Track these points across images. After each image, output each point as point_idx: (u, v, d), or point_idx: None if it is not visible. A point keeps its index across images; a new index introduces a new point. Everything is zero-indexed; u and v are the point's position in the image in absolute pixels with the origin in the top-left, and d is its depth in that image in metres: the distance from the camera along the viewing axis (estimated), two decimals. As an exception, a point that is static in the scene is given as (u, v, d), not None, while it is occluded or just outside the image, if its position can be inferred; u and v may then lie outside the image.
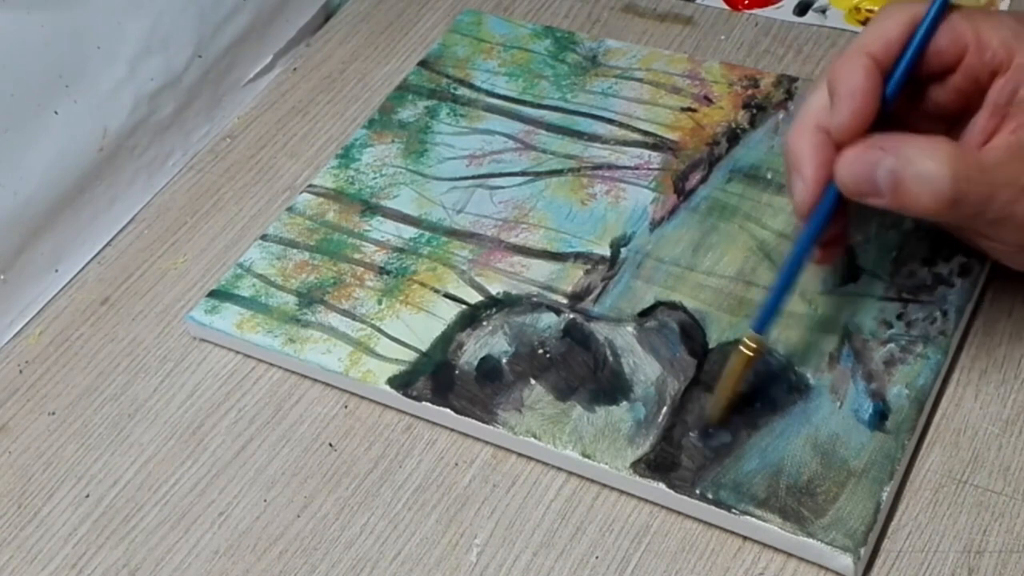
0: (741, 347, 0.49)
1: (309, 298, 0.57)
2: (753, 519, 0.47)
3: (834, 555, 0.46)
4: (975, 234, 0.48)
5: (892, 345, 0.51)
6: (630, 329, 0.54)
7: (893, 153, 0.44)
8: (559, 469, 0.51)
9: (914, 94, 0.48)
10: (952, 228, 0.52)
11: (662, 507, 0.49)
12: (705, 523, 0.49)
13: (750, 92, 0.63)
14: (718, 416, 0.50)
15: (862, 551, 0.46)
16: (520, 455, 0.52)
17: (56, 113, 0.60)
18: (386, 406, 0.54)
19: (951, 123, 0.48)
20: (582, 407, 0.51)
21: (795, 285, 0.49)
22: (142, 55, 0.64)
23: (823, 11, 0.68)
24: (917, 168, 0.44)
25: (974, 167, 0.44)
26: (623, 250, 0.57)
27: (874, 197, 0.45)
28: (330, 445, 0.53)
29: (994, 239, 0.47)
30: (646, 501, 0.50)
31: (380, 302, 0.57)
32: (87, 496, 0.53)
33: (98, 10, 0.61)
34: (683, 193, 0.59)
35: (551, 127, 0.63)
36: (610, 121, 0.63)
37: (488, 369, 0.53)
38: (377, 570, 0.49)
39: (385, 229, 0.60)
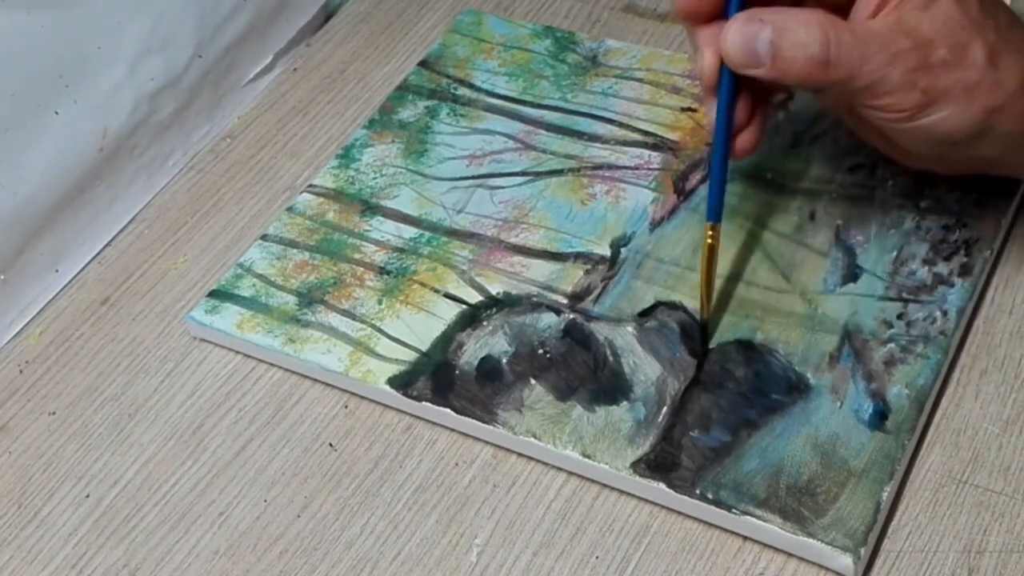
0: (706, 238, 0.52)
1: (309, 298, 0.57)
2: (753, 519, 0.47)
3: (834, 555, 0.46)
4: (860, 104, 0.49)
5: (892, 345, 0.51)
6: (630, 329, 0.54)
7: (771, 24, 0.47)
8: (559, 469, 0.51)
9: None
10: (852, 122, 0.53)
11: (662, 507, 0.49)
12: (705, 523, 0.49)
13: (750, 92, 0.63)
14: (707, 309, 0.53)
15: (862, 551, 0.46)
16: (520, 455, 0.52)
17: (56, 113, 0.60)
18: (386, 406, 0.54)
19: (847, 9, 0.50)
20: (582, 407, 0.51)
21: (727, 168, 0.51)
22: (142, 55, 0.64)
23: (823, 11, 0.68)
24: (794, 37, 0.47)
25: (846, 33, 0.47)
26: (623, 250, 0.57)
27: (757, 68, 0.48)
28: (330, 445, 0.53)
29: (876, 109, 0.48)
30: (646, 501, 0.50)
31: (380, 302, 0.57)
32: (87, 496, 0.53)
33: (98, 10, 0.61)
34: (683, 193, 0.59)
35: (551, 127, 0.63)
36: (610, 121, 0.63)
37: (488, 369, 0.53)
38: (377, 570, 0.49)
39: (385, 229, 0.60)
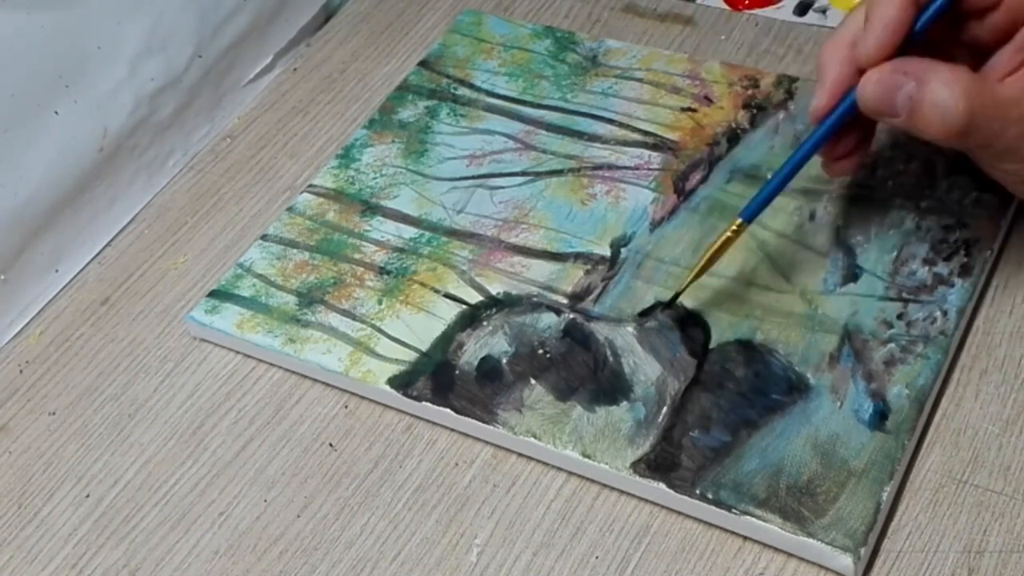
0: (729, 232, 0.52)
1: (309, 298, 0.57)
2: (753, 519, 0.47)
3: (834, 555, 0.46)
4: (988, 163, 0.50)
5: (892, 345, 0.51)
6: (630, 329, 0.54)
7: (915, 79, 0.47)
8: (559, 469, 0.51)
9: (954, 26, 0.50)
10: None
11: (662, 507, 0.49)
12: (705, 523, 0.49)
13: (750, 92, 0.63)
14: (686, 284, 0.53)
15: (862, 551, 0.46)
16: (520, 455, 0.52)
17: (56, 113, 0.60)
18: (386, 406, 0.54)
19: (984, 56, 0.49)
20: (582, 407, 0.51)
21: (790, 182, 0.52)
22: (142, 55, 0.64)
23: (823, 11, 0.68)
24: (935, 96, 0.47)
25: (989, 101, 0.46)
26: (623, 250, 0.57)
27: (891, 117, 0.48)
28: (330, 445, 0.53)
29: (1005, 170, 0.49)
30: (646, 501, 0.50)
31: (380, 302, 0.57)
32: (87, 496, 0.53)
33: (98, 10, 0.61)
34: (683, 193, 0.59)
35: (551, 127, 0.63)
36: (610, 121, 0.63)
37: (488, 369, 0.53)
38: (377, 570, 0.49)
39: (385, 229, 0.60)
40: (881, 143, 0.58)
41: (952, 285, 0.53)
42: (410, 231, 0.60)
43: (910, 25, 0.48)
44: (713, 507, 0.48)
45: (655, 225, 0.58)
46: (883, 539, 0.47)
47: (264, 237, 0.61)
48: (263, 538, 0.51)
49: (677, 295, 0.53)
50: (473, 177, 0.62)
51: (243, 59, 0.70)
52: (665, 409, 0.51)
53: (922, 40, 0.49)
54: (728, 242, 0.52)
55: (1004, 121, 0.47)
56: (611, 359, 0.53)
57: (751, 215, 0.52)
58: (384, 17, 0.74)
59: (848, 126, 0.51)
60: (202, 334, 0.58)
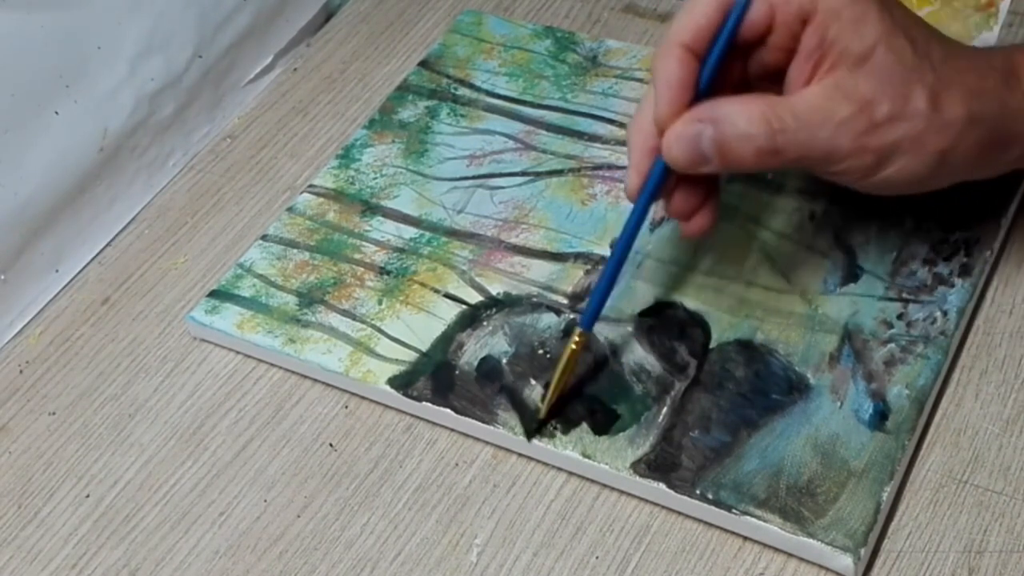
0: (571, 343, 0.50)
1: (309, 298, 0.57)
2: (753, 519, 0.47)
3: (834, 555, 0.46)
4: (820, 171, 0.48)
5: (892, 345, 0.51)
6: (630, 329, 0.54)
7: (710, 122, 0.46)
8: (559, 469, 0.51)
9: (744, 64, 0.49)
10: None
11: (662, 507, 0.49)
12: (705, 523, 0.49)
13: (750, 92, 0.63)
14: (546, 409, 0.51)
15: (862, 551, 0.46)
16: (520, 455, 0.52)
17: (56, 113, 0.60)
18: (386, 406, 0.54)
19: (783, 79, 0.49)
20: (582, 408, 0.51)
21: (617, 280, 0.51)
22: (142, 55, 0.64)
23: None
24: (734, 129, 0.46)
25: (788, 116, 0.46)
26: (623, 250, 0.57)
27: (704, 166, 0.47)
28: (330, 445, 0.53)
29: (835, 172, 0.48)
30: (646, 501, 0.50)
31: (380, 302, 0.57)
32: (87, 496, 0.53)
33: (98, 10, 0.61)
34: (683, 193, 0.59)
35: (551, 127, 0.63)
36: (610, 121, 0.63)
37: (488, 369, 0.53)
38: (377, 570, 0.49)
39: (385, 229, 0.60)
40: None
41: (952, 285, 0.53)
42: (410, 231, 0.60)
43: (695, 78, 0.47)
44: (713, 507, 0.48)
45: (655, 225, 0.58)
46: (883, 539, 0.47)
47: (264, 237, 0.61)
48: (263, 538, 0.51)
49: (542, 416, 0.51)
50: (473, 177, 0.62)
51: (243, 59, 0.70)
52: (665, 409, 0.51)
53: (707, 93, 0.48)
54: (574, 354, 0.50)
55: (810, 129, 0.46)
56: (611, 359, 0.53)
57: (589, 323, 0.50)
58: (384, 17, 0.74)
59: (685, 185, 0.49)
60: (202, 334, 0.58)
